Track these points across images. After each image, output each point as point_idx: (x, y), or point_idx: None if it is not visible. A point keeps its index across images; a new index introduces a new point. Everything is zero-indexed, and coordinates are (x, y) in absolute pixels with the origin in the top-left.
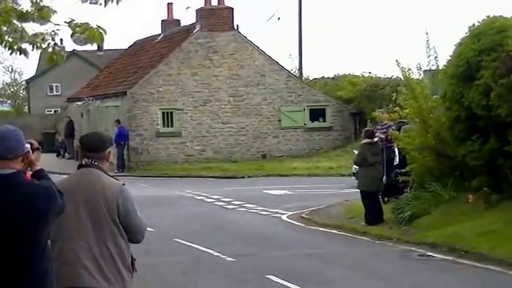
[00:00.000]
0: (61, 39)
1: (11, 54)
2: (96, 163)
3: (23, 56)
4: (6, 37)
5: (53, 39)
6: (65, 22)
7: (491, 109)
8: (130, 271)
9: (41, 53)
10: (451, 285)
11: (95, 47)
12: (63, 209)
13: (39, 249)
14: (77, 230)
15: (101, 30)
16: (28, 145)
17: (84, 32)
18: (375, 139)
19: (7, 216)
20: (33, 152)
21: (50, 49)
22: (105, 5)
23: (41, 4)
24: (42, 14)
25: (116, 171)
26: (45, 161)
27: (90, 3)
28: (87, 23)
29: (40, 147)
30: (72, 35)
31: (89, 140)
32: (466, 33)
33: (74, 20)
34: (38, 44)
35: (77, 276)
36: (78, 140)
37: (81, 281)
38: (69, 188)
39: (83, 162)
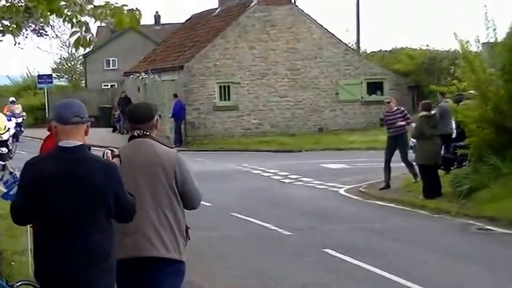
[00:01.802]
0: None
1: (72, 27)
2: (147, 133)
3: (82, 28)
4: (65, 11)
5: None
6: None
7: None
8: (184, 239)
9: (98, 27)
10: (511, 259)
11: (151, 21)
12: (121, 182)
13: (96, 225)
14: (137, 201)
15: (136, 13)
16: (109, 151)
17: (113, 16)
18: (432, 112)
19: (71, 189)
20: (112, 158)
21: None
22: None
23: None
24: None
25: (173, 145)
26: (102, 136)
27: None
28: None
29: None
30: (103, 19)
31: (136, 111)
32: None
33: (108, 2)
34: (98, 17)
35: (138, 246)
36: (126, 112)
37: (142, 251)
38: (125, 159)
39: (135, 134)
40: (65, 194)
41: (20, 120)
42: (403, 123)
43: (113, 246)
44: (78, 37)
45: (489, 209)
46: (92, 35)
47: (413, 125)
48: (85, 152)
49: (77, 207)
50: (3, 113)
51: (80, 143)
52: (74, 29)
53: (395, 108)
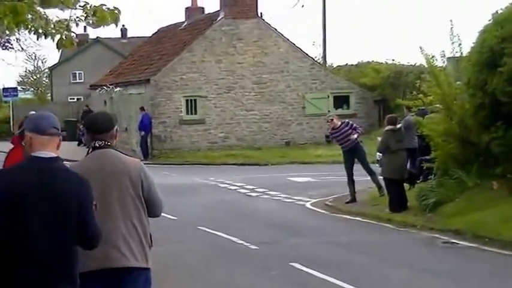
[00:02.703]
0: (84, 27)
1: (37, 38)
2: (109, 143)
3: (47, 42)
4: (31, 24)
5: (77, 25)
6: (79, 6)
7: None
8: (149, 246)
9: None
10: (476, 273)
11: (118, 34)
12: (93, 199)
13: (68, 235)
14: (105, 212)
15: (115, 12)
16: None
17: (94, 13)
18: (398, 125)
19: (46, 198)
20: None
21: (64, 35)
22: None
23: None
24: (66, 1)
25: (141, 159)
26: (67, 149)
27: None
28: (102, 5)
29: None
30: (85, 19)
31: (96, 121)
32: (490, 20)
33: (87, 3)
34: (62, 31)
35: (109, 256)
36: (85, 122)
37: (113, 261)
38: (90, 171)
39: (96, 144)
40: (40, 203)
41: None
42: (355, 136)
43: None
44: (60, 37)
45: (455, 222)
46: (75, 34)
47: (379, 138)
48: (60, 163)
49: (52, 217)
50: None
51: (56, 155)
52: (54, 30)
53: (340, 123)
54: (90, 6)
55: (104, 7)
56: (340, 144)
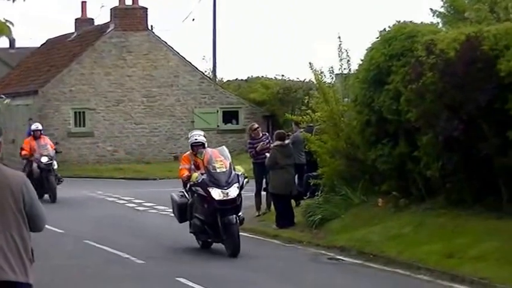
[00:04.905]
0: None
1: None
2: None
3: None
4: None
5: None
6: None
7: (400, 114)
8: (30, 261)
9: None
10: None
11: (6, 44)
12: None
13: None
14: None
15: (7, 24)
16: None
17: None
18: (286, 141)
19: None
20: None
21: None
22: (13, 1)
23: None
24: None
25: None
26: None
27: None
28: None
29: None
30: None
31: None
32: (377, 37)
33: None
34: None
35: None
36: None
37: None
38: None
39: None
40: None
41: None
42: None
43: None
44: None
45: (340, 239)
46: None
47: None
48: None
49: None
50: None
51: None
52: None
53: (261, 134)
54: None
55: None
56: (255, 155)
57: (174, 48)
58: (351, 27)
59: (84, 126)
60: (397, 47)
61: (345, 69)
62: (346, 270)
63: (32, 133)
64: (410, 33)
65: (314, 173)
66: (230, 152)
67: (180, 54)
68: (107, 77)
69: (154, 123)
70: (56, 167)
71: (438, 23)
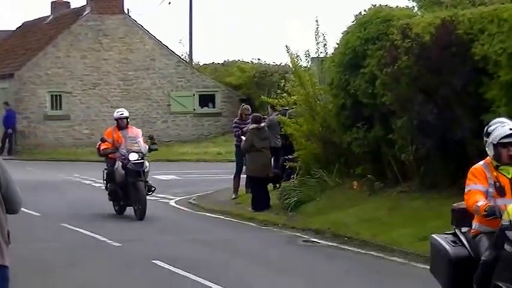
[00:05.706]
0: None
1: None
2: None
3: None
4: None
5: None
6: None
7: (376, 97)
8: (7, 244)
9: None
10: (333, 271)
11: None
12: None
13: None
14: None
15: None
16: None
17: None
18: (262, 124)
19: None
20: None
21: None
22: None
23: None
24: None
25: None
26: None
27: None
28: None
29: None
30: None
31: None
32: (353, 21)
33: None
34: None
35: None
36: None
37: None
38: None
39: None
40: None
41: None
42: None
43: None
44: None
45: (315, 221)
46: None
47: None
48: None
49: None
50: None
51: None
52: None
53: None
54: None
55: None
56: (240, 135)
57: (151, 32)
58: (327, 11)
59: (60, 109)
60: (372, 31)
61: (321, 52)
62: (321, 253)
63: (117, 122)
64: (386, 17)
65: (290, 156)
66: (206, 136)
67: (157, 37)
68: (83, 60)
69: (131, 106)
70: (147, 169)
71: (414, 7)
